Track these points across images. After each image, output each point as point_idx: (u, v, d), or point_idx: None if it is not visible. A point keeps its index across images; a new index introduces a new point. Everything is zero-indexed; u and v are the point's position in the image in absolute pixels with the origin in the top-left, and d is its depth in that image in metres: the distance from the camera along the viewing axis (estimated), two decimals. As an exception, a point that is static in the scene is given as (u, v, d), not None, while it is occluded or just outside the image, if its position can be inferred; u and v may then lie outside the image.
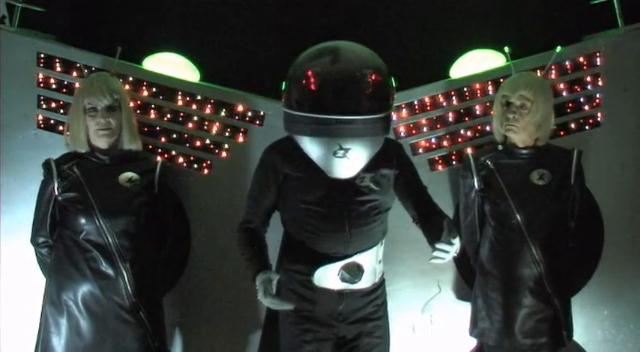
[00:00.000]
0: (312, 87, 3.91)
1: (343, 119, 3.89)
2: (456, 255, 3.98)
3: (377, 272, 4.15)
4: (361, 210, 4.05)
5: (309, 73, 3.92)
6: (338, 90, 3.89)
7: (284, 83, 4.04)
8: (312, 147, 4.01)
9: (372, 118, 3.94)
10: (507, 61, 4.76)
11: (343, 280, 4.07)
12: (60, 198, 4.40)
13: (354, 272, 4.07)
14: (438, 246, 3.90)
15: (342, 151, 3.97)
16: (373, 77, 3.93)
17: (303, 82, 3.93)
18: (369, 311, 4.14)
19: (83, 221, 4.37)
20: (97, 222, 4.35)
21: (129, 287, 4.37)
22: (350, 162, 4.00)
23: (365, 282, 4.11)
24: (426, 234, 4.10)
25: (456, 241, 3.92)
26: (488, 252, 4.58)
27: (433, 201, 4.24)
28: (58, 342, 4.37)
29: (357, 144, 3.97)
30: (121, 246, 4.37)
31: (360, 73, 3.92)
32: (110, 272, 4.36)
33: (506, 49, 4.73)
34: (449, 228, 3.93)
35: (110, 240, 4.36)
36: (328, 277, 4.07)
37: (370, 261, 4.10)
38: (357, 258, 4.07)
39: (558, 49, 4.73)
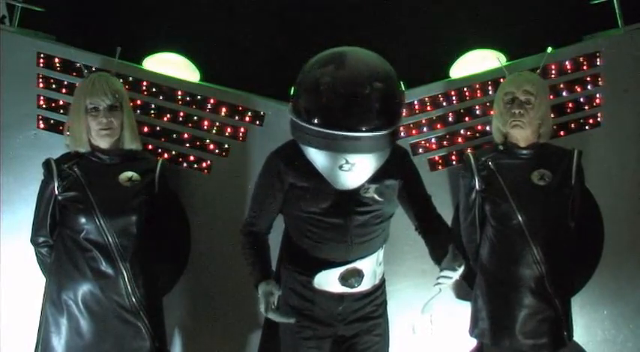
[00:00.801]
0: (322, 100, 3.80)
1: (350, 136, 3.81)
2: (459, 278, 3.99)
3: (377, 274, 4.15)
4: (363, 220, 4.03)
5: (318, 84, 3.81)
6: (346, 106, 3.79)
7: (293, 89, 3.96)
8: (317, 158, 3.94)
9: (381, 134, 3.85)
10: (501, 65, 4.76)
11: (344, 285, 4.07)
12: (60, 198, 4.40)
13: (355, 277, 4.06)
14: (443, 273, 3.93)
15: (348, 165, 3.90)
16: (384, 92, 3.82)
17: (312, 93, 3.83)
18: (368, 310, 4.14)
19: (83, 220, 4.36)
20: (97, 221, 4.35)
21: (129, 287, 4.38)
22: (355, 174, 3.95)
23: (365, 285, 4.11)
24: (429, 249, 4.10)
25: (461, 268, 3.92)
26: (488, 252, 4.59)
27: (437, 212, 4.21)
28: (58, 342, 4.37)
29: (364, 158, 3.90)
30: (121, 246, 4.37)
31: (369, 87, 3.79)
32: (110, 271, 4.36)
33: (497, 56, 4.76)
34: (454, 254, 3.91)
35: (110, 239, 4.36)
36: (328, 281, 4.07)
37: (371, 265, 4.10)
38: (357, 264, 4.06)
39: (549, 49, 4.73)
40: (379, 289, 4.18)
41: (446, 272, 3.91)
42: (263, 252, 4.10)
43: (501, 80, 4.73)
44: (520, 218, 4.48)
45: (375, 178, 4.00)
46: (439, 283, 3.95)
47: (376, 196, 4.02)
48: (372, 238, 4.07)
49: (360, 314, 4.13)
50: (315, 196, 4.01)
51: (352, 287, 4.06)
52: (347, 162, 3.88)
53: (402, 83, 3.96)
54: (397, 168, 4.08)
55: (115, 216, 4.37)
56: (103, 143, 4.44)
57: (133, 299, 4.38)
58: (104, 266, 4.36)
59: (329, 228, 4.02)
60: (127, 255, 4.38)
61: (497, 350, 4.57)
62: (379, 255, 4.13)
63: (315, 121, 3.82)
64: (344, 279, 4.05)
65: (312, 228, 4.04)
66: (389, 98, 3.85)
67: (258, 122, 4.92)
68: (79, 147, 4.44)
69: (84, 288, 4.36)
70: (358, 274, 4.06)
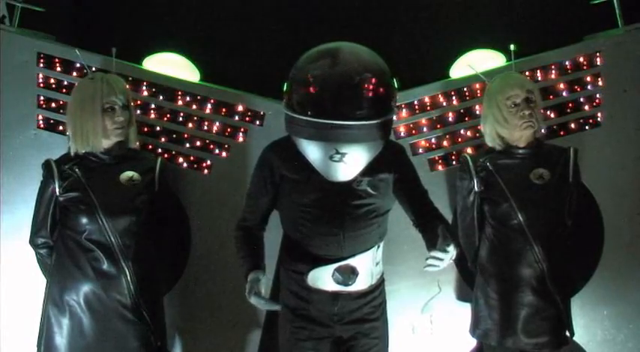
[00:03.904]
0: (311, 90, 3.87)
1: (339, 124, 3.85)
2: (451, 261, 3.93)
3: (374, 274, 4.13)
4: (357, 214, 4.03)
5: (308, 76, 3.89)
6: (336, 95, 3.84)
7: (285, 84, 4.02)
8: (309, 150, 3.99)
9: (369, 124, 3.89)
10: (476, 71, 4.76)
11: (337, 282, 4.05)
12: (61, 199, 4.40)
13: (348, 274, 4.05)
14: (431, 253, 3.85)
15: (338, 155, 3.94)
16: (373, 82, 3.87)
17: (302, 85, 3.90)
18: (365, 312, 4.12)
19: (85, 221, 4.36)
20: (100, 221, 4.35)
21: (131, 286, 4.38)
22: (347, 166, 3.97)
23: (360, 284, 4.09)
24: (425, 240, 4.08)
25: (451, 248, 3.85)
26: (488, 252, 4.58)
27: (433, 205, 4.20)
28: (61, 342, 4.37)
29: (354, 148, 3.93)
30: (123, 245, 4.37)
31: (359, 77, 3.86)
32: (113, 271, 4.36)
33: (470, 65, 4.78)
34: (444, 236, 3.87)
35: (113, 239, 4.36)
36: (322, 278, 4.06)
37: (366, 263, 4.08)
38: (351, 261, 4.05)
39: (512, 47, 4.71)
40: (377, 289, 4.16)
41: (435, 253, 3.84)
42: (255, 246, 4.11)
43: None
44: (520, 217, 4.48)
45: (368, 172, 4.02)
46: (430, 265, 3.86)
47: (369, 189, 4.03)
48: (366, 233, 4.07)
49: (357, 315, 4.11)
50: (307, 188, 4.02)
51: (346, 285, 4.05)
52: (337, 152, 3.92)
53: (395, 80, 4.00)
54: (391, 162, 4.09)
55: (118, 216, 4.38)
56: (107, 142, 4.43)
57: (136, 299, 4.38)
58: (106, 266, 4.36)
59: (321, 221, 4.02)
60: (130, 254, 4.38)
61: (499, 350, 4.57)
62: (375, 254, 4.11)
63: (306, 111, 3.88)
64: (337, 276, 4.04)
65: (304, 222, 4.05)
66: (379, 89, 3.88)
67: (258, 122, 4.93)
68: (90, 148, 4.40)
69: (86, 288, 4.37)
70: (352, 271, 4.05)
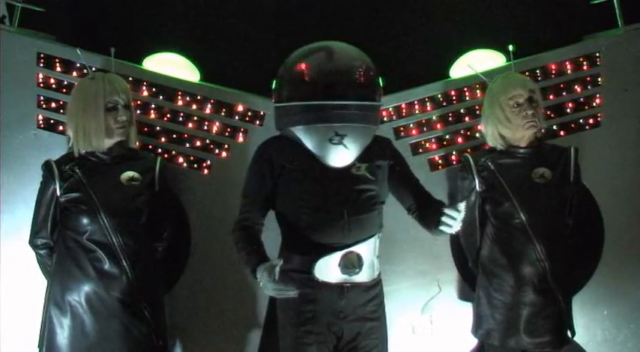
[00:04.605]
0: (309, 78, 4.05)
1: (340, 104, 4.04)
2: (459, 227, 3.99)
3: (375, 267, 4.17)
4: (359, 199, 4.11)
5: (305, 65, 4.07)
6: (334, 79, 4.04)
7: (275, 82, 4.16)
8: (308, 137, 4.10)
9: (366, 105, 4.09)
10: (476, 71, 4.76)
11: (343, 269, 4.08)
12: (62, 200, 4.40)
13: (355, 261, 4.09)
14: (446, 211, 3.96)
15: (337, 137, 4.07)
16: (365, 68, 4.10)
17: (300, 74, 4.07)
18: (368, 309, 4.15)
19: (86, 221, 4.36)
20: (102, 221, 4.35)
21: (133, 286, 4.38)
22: (345, 149, 4.08)
23: (364, 276, 4.12)
24: (427, 220, 4.15)
25: (462, 208, 3.97)
26: (490, 252, 4.58)
27: (427, 191, 4.29)
28: (63, 342, 4.37)
29: (352, 130, 4.07)
30: (125, 245, 4.37)
31: (354, 64, 4.09)
32: (114, 271, 4.36)
33: (470, 65, 4.80)
34: (452, 202, 4.04)
35: (114, 239, 4.36)
36: (329, 268, 4.08)
37: (369, 252, 4.13)
38: (356, 249, 4.09)
39: (511, 47, 4.72)
40: (377, 286, 4.19)
41: (450, 211, 3.96)
42: (257, 242, 4.10)
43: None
44: (522, 216, 4.49)
45: (365, 158, 4.15)
46: (444, 223, 3.97)
47: (368, 175, 4.14)
48: (370, 218, 4.13)
49: (360, 312, 4.13)
50: (308, 176, 4.11)
51: (353, 273, 4.08)
52: (337, 134, 4.07)
53: (380, 78, 4.16)
54: (383, 150, 4.24)
55: (119, 216, 4.38)
56: (108, 142, 4.43)
57: (137, 298, 4.38)
58: (108, 266, 4.36)
59: (325, 208, 4.08)
60: (131, 254, 4.38)
61: (502, 349, 4.57)
62: (376, 243, 4.16)
63: (305, 97, 4.06)
64: (344, 264, 4.07)
65: (308, 210, 4.09)
66: (371, 74, 4.13)
67: (258, 122, 4.93)
68: (92, 147, 4.41)
69: (87, 288, 4.37)
70: (358, 258, 4.09)
